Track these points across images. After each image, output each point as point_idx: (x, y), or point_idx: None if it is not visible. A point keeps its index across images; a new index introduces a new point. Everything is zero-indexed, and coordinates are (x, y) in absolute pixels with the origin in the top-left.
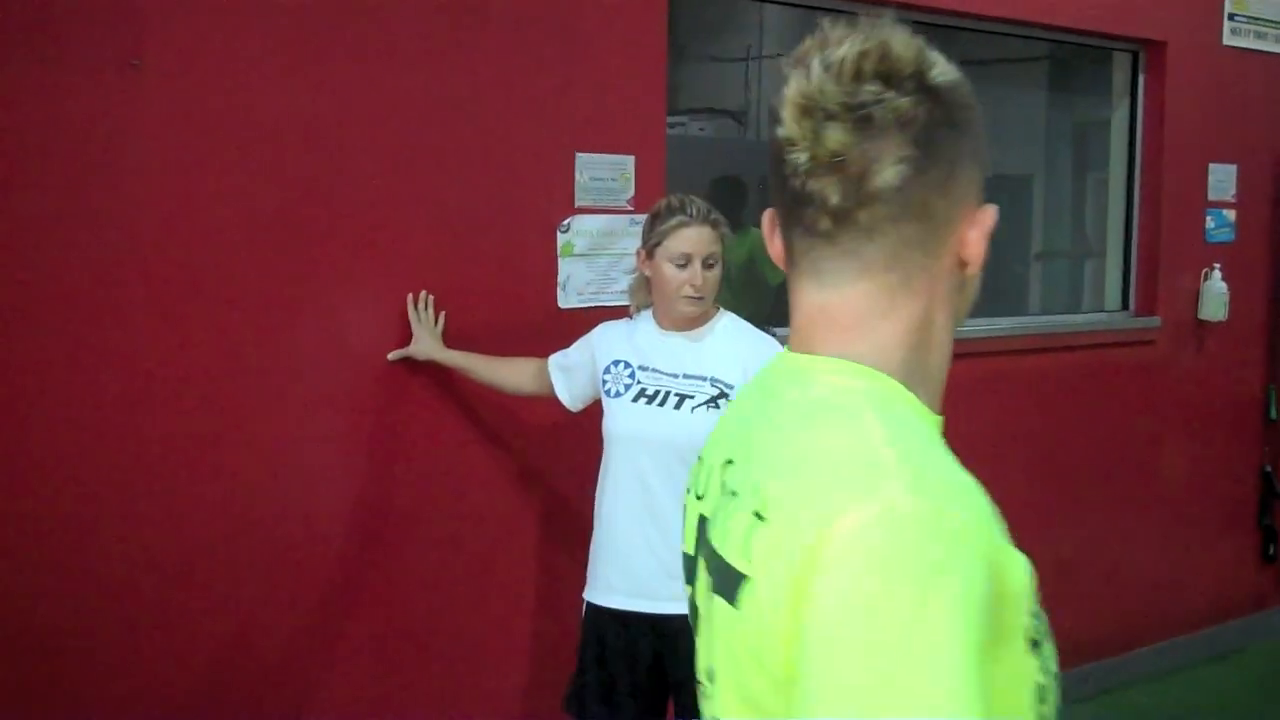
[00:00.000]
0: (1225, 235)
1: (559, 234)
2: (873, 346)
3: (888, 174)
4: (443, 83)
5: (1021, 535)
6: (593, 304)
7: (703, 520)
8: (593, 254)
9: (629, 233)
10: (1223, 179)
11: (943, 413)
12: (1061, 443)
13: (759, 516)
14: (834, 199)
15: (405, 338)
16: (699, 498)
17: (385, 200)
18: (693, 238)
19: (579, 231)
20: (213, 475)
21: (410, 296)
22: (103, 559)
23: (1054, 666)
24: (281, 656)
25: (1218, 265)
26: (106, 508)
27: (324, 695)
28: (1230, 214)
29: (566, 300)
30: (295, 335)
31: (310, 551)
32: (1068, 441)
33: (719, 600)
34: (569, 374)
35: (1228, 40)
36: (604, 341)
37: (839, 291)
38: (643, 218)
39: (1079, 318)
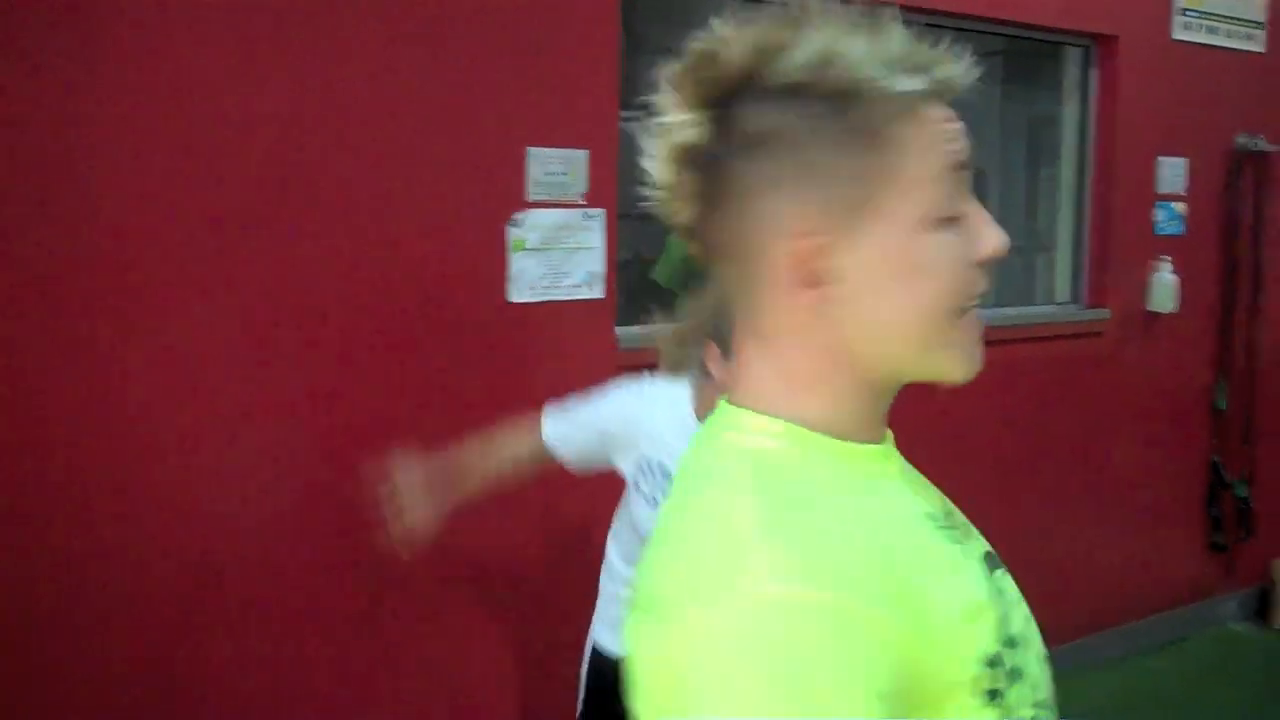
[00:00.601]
0: (1175, 228)
1: (510, 229)
2: (772, 392)
3: (683, 215)
4: (393, 77)
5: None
6: (545, 299)
7: None
8: (545, 248)
9: (583, 226)
10: (1173, 172)
11: (888, 425)
12: (1011, 433)
13: (630, 607)
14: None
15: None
16: None
17: (335, 194)
18: None
19: (531, 226)
20: (184, 479)
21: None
22: (62, 556)
23: (1030, 708)
24: (261, 663)
25: (1167, 257)
26: (65, 508)
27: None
28: (1180, 207)
29: (519, 295)
30: (255, 336)
31: (289, 558)
32: (1018, 432)
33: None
34: (575, 449)
35: (1178, 35)
36: (649, 429)
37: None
38: (597, 212)
39: (1030, 310)
